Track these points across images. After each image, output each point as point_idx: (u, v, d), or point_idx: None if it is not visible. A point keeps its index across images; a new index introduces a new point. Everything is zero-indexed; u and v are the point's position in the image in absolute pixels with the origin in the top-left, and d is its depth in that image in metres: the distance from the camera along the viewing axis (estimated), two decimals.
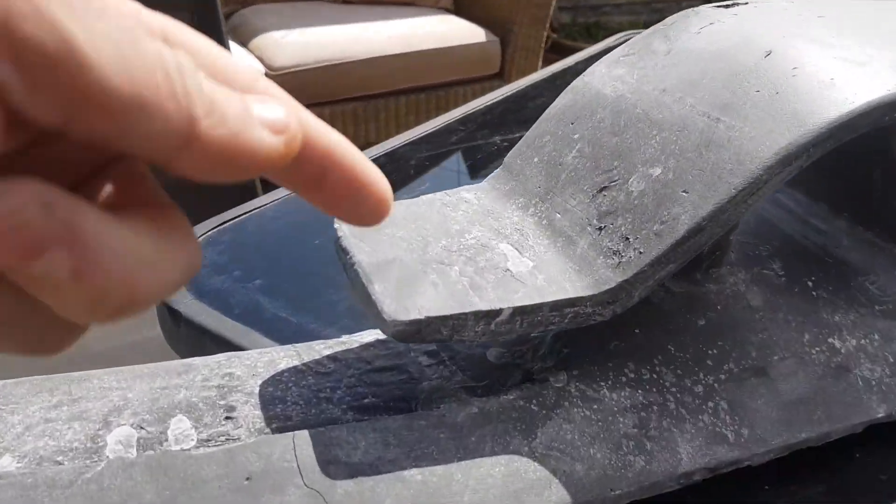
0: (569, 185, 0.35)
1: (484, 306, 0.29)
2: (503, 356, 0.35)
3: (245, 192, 0.89)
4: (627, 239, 0.31)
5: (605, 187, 0.34)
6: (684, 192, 0.31)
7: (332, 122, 2.37)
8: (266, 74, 2.35)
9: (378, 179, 0.17)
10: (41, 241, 0.12)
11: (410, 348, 0.36)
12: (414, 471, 0.28)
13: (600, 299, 0.30)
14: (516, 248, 0.33)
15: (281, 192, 0.57)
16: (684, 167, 0.32)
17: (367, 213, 0.18)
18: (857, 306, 0.39)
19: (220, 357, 0.35)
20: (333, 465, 0.28)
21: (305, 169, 0.17)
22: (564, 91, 0.40)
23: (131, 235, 0.14)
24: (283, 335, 0.41)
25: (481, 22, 2.71)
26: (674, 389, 0.33)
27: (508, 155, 0.39)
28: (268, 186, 0.65)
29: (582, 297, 0.30)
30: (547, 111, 0.40)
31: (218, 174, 0.14)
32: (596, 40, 3.30)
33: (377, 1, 2.80)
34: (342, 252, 0.32)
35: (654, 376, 0.33)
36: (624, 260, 0.31)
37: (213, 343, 0.42)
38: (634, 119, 0.35)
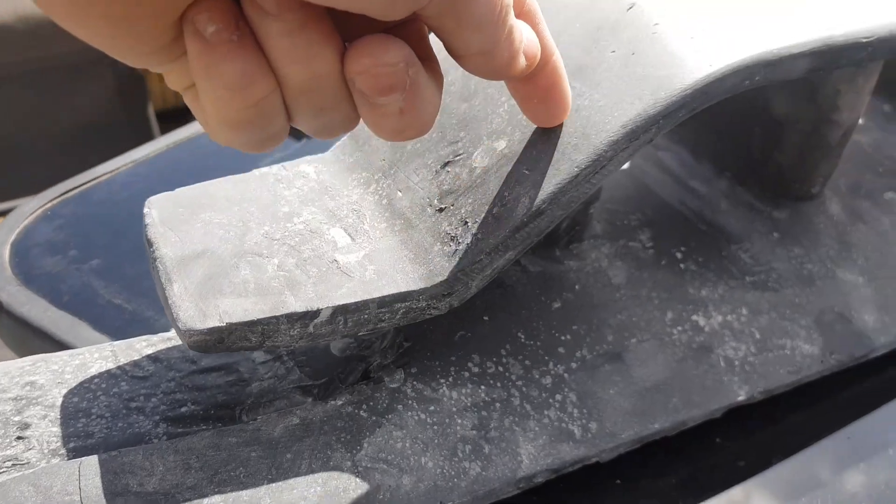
0: (414, 157, 0.31)
1: (299, 307, 0.26)
2: (348, 348, 0.32)
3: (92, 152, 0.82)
4: (466, 223, 0.28)
5: (448, 162, 0.30)
6: (527, 169, 0.28)
7: None
8: None
9: (569, 96, 0.26)
10: (395, 85, 0.20)
11: None
12: (216, 498, 0.25)
13: (434, 292, 0.27)
14: (349, 234, 0.29)
15: (134, 155, 0.52)
16: (530, 140, 0.29)
17: (555, 119, 0.27)
18: (727, 278, 0.37)
19: (26, 361, 0.31)
20: (122, 496, 0.24)
21: (537, 82, 0.25)
22: None
23: (431, 86, 0.21)
24: (116, 327, 0.37)
25: None
26: (520, 383, 0.30)
27: None
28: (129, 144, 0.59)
29: (413, 292, 0.27)
30: None
31: (484, 75, 0.23)
32: None
33: None
34: (147, 244, 0.28)
35: (500, 369, 0.30)
36: (461, 247, 0.28)
37: (37, 338, 0.37)
38: (484, 82, 0.32)
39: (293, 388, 0.30)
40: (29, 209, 0.46)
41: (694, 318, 0.35)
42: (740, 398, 0.33)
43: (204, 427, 0.28)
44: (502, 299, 0.32)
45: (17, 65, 1.11)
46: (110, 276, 0.41)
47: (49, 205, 0.47)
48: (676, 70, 0.28)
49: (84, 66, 1.17)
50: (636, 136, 0.27)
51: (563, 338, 0.32)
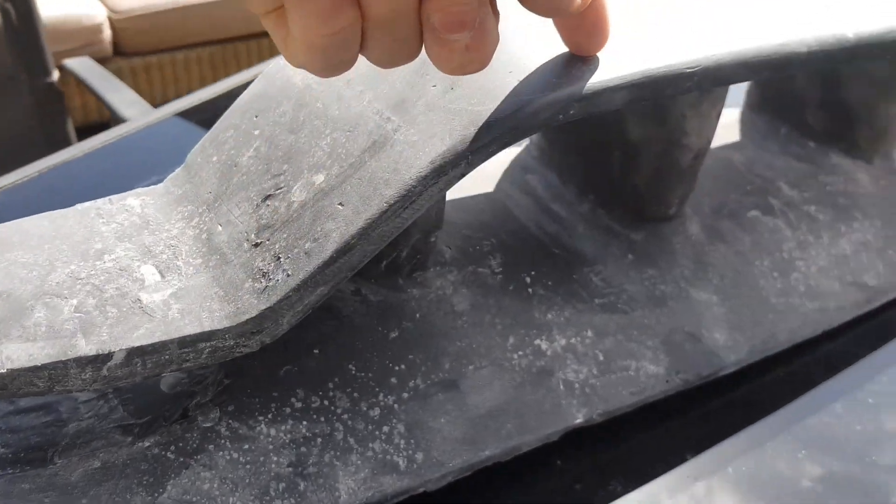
0: (238, 190, 0.31)
1: (90, 350, 0.25)
2: (179, 384, 0.32)
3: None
4: (279, 258, 0.28)
5: (269, 195, 0.30)
6: (340, 204, 0.28)
7: (187, 67, 2.21)
8: (109, 18, 2.15)
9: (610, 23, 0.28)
10: (466, 23, 0.21)
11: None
12: None
13: (241, 331, 0.27)
14: (160, 271, 0.29)
15: (62, 156, 0.50)
16: (346, 174, 0.29)
17: (596, 47, 0.28)
18: (575, 301, 0.37)
19: None
20: None
21: (586, 16, 0.27)
22: (259, 76, 0.36)
23: (494, 23, 0.23)
24: None
25: None
26: (345, 416, 0.30)
27: (192, 151, 0.35)
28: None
29: (218, 331, 0.27)
30: (237, 100, 0.35)
31: (545, 13, 0.25)
32: None
33: None
34: None
35: (326, 403, 0.30)
36: (270, 284, 0.27)
37: None
38: (313, 115, 0.32)
39: (113, 427, 0.29)
40: None
41: (536, 342, 0.35)
42: (578, 421, 0.33)
43: (10, 471, 0.27)
44: (336, 331, 0.32)
45: None
46: None
47: None
48: (490, 105, 0.28)
49: (2, 81, 1.14)
50: (444, 172, 0.27)
51: (397, 368, 0.32)
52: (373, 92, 0.31)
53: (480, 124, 0.28)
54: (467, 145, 0.27)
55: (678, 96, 0.38)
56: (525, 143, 0.48)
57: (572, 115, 0.29)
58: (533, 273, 0.38)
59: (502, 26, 0.24)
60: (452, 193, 0.42)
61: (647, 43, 0.31)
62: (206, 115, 0.39)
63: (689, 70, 0.31)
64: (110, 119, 0.96)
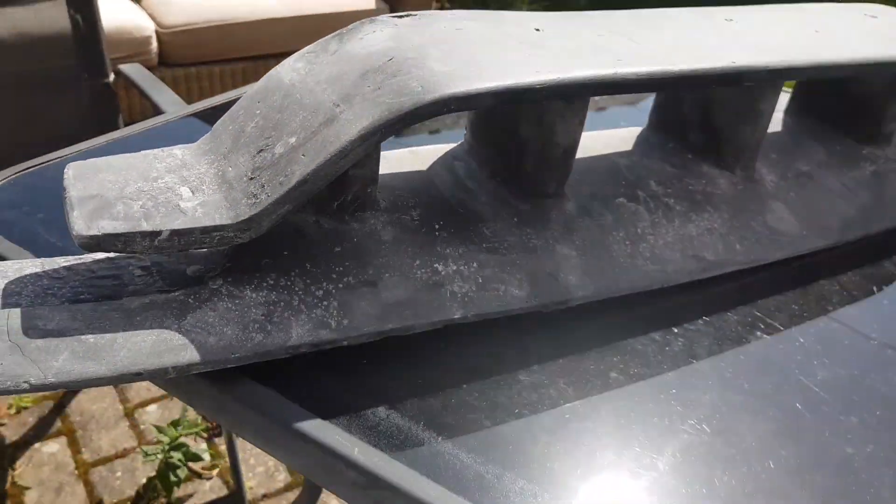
0: (243, 147, 0.49)
1: (148, 228, 0.43)
2: (197, 271, 0.49)
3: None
4: (263, 186, 0.45)
5: (261, 150, 0.48)
6: (303, 155, 0.46)
7: (222, 80, 2.43)
8: (157, 32, 2.38)
9: None
10: None
11: (130, 263, 0.49)
12: (89, 335, 0.42)
13: (238, 227, 0.44)
14: (192, 191, 0.46)
15: (87, 144, 0.69)
16: (308, 138, 0.46)
17: None
18: (468, 244, 0.54)
19: None
20: (32, 329, 0.41)
21: None
22: (264, 77, 0.54)
23: None
24: (48, 254, 0.54)
25: None
26: (300, 293, 0.47)
27: (216, 123, 0.53)
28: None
29: (224, 225, 0.44)
30: (248, 91, 0.53)
31: None
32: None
33: None
34: (63, 189, 0.45)
35: (289, 283, 0.48)
36: (258, 201, 0.45)
37: None
38: (293, 102, 0.49)
39: (156, 291, 0.47)
40: None
41: (435, 265, 0.52)
42: (456, 317, 0.50)
43: (93, 301, 0.45)
44: (299, 243, 0.50)
45: (6, 76, 1.28)
46: (50, 224, 0.58)
47: (13, 177, 0.64)
48: (400, 98, 0.46)
49: (63, 81, 1.34)
50: (366, 139, 0.45)
51: (337, 269, 0.49)
52: (332, 89, 0.49)
53: (392, 110, 0.45)
54: (382, 122, 0.45)
55: (551, 105, 0.55)
56: (460, 139, 0.65)
57: (453, 109, 0.47)
58: (441, 223, 0.55)
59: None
60: (396, 168, 0.60)
61: (519, 66, 0.49)
62: (226, 110, 0.55)
63: (538, 86, 0.49)
64: (153, 115, 1.15)
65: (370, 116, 0.45)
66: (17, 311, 0.42)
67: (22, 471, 1.35)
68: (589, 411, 0.48)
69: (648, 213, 0.63)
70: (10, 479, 1.33)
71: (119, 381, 0.42)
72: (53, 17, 1.39)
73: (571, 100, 0.55)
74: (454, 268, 0.53)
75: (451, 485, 0.40)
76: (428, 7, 2.79)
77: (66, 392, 1.53)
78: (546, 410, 0.47)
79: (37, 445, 1.40)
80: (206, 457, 1.45)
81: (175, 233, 0.43)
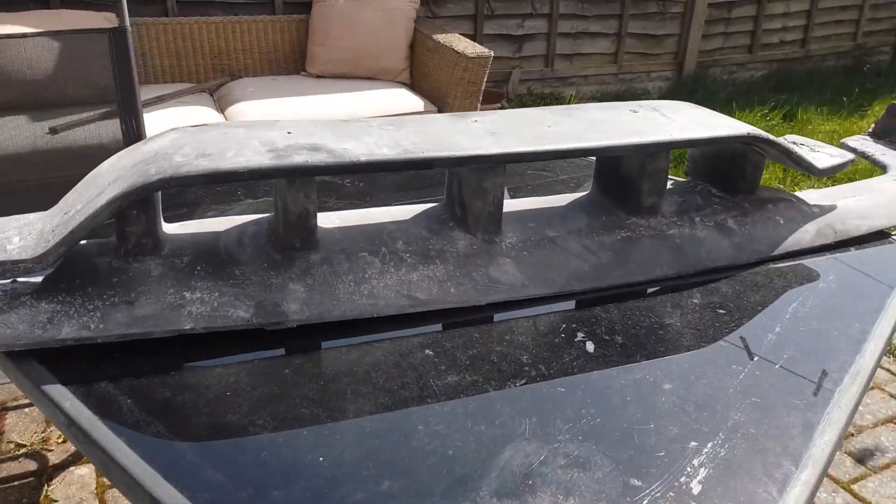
0: (60, 211, 0.76)
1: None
2: (17, 289, 0.76)
3: None
4: (54, 235, 0.72)
5: (66, 212, 0.75)
6: (79, 216, 0.72)
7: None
8: None
9: None
10: None
11: None
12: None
13: (34, 261, 0.71)
14: (20, 239, 0.74)
15: None
16: (86, 205, 0.73)
17: None
18: (217, 280, 0.78)
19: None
20: None
21: None
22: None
23: None
24: None
25: (427, 94, 3.16)
26: (77, 306, 0.73)
27: (67, 193, 0.81)
28: None
29: (26, 259, 0.71)
30: (88, 176, 0.81)
31: None
32: None
33: (345, 75, 3.29)
34: None
35: (71, 300, 0.73)
36: (48, 245, 0.71)
37: None
38: (95, 181, 0.76)
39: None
40: None
41: (184, 293, 0.76)
42: (186, 328, 0.73)
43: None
44: (90, 275, 0.76)
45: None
46: None
47: None
48: (138, 179, 0.71)
49: None
50: (110, 205, 0.70)
51: (108, 292, 0.74)
52: (115, 173, 0.75)
53: (129, 188, 0.71)
54: (120, 195, 0.71)
55: (279, 184, 0.79)
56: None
57: (173, 186, 0.72)
58: (203, 265, 0.79)
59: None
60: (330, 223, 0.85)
61: (235, 157, 0.73)
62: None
63: (240, 170, 0.73)
64: None
65: (116, 191, 0.71)
66: None
67: (55, 487, 1.66)
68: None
69: (381, 263, 0.83)
70: (44, 492, 1.65)
71: None
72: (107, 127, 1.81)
73: (293, 179, 0.78)
74: (199, 295, 0.76)
75: (123, 432, 0.62)
76: (474, 108, 3.10)
77: None
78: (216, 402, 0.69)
79: (71, 468, 1.71)
80: None
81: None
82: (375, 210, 0.94)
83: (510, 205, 0.98)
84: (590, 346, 0.77)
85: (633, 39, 4.42)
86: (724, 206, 1.00)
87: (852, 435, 1.90)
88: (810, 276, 0.93)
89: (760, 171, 1.02)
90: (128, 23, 1.79)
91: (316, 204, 0.82)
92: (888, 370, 2.19)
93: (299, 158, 0.75)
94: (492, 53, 2.97)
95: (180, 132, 0.82)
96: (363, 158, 0.77)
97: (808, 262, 0.97)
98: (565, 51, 4.22)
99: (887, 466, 1.80)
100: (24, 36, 1.88)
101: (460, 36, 3.17)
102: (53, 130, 2.46)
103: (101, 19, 3.16)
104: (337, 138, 0.82)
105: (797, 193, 1.10)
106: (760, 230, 0.98)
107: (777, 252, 0.96)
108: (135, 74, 1.80)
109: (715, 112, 1.02)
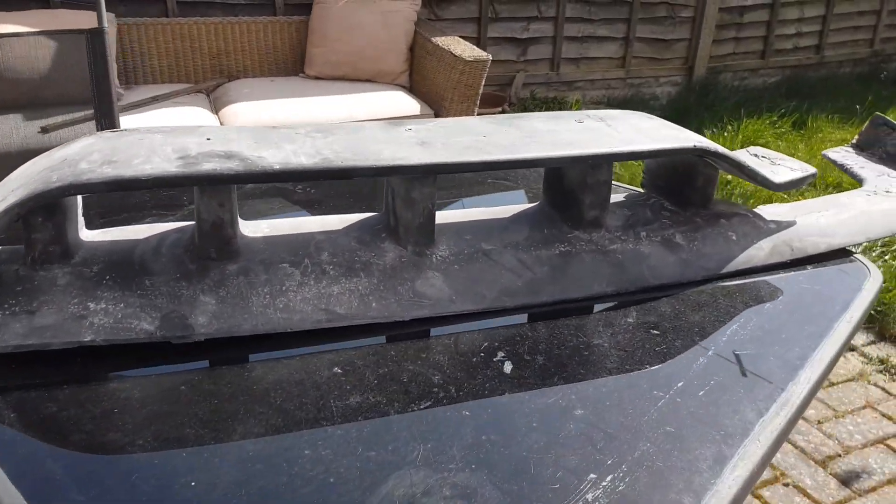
0: None
1: None
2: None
3: None
4: None
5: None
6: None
7: None
8: None
9: None
10: None
11: None
12: None
13: None
14: None
15: None
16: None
17: None
18: (125, 290, 0.75)
19: None
20: None
21: None
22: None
23: None
24: None
25: (424, 97, 3.13)
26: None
27: None
28: None
29: None
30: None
31: None
32: None
33: (343, 77, 3.28)
34: None
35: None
36: None
37: None
38: (6, 185, 0.74)
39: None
40: None
41: (88, 303, 0.74)
42: (86, 340, 0.71)
43: None
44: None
45: None
46: None
47: None
48: (38, 186, 0.69)
49: None
50: (8, 212, 0.68)
51: (10, 301, 0.72)
52: (24, 178, 0.73)
53: (29, 195, 0.69)
54: (19, 202, 0.68)
55: (198, 191, 0.76)
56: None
57: (73, 192, 0.69)
58: (112, 275, 0.77)
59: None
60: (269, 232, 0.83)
61: (141, 165, 0.71)
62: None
63: (143, 178, 0.71)
64: None
65: (15, 198, 0.69)
66: None
67: None
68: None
69: (301, 275, 0.81)
70: None
71: None
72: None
73: (203, 188, 0.76)
74: (103, 306, 0.74)
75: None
76: (471, 112, 3.06)
77: None
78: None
79: None
80: None
81: None
82: (311, 219, 0.92)
83: (453, 215, 0.94)
84: (507, 367, 0.73)
85: (641, 44, 4.36)
86: (673, 221, 0.96)
87: (839, 456, 1.84)
88: (758, 296, 0.89)
89: (713, 185, 0.98)
90: (105, 24, 1.79)
91: (233, 212, 0.79)
92: (883, 388, 2.12)
93: (208, 166, 0.73)
94: (489, 57, 2.94)
95: (97, 137, 0.79)
96: (277, 167, 0.75)
97: (760, 280, 0.93)
98: (572, 55, 4.17)
99: (873, 489, 1.73)
100: (1, 36, 1.88)
101: (459, 39, 3.14)
102: (45, 130, 2.47)
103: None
104: (256, 146, 0.79)
105: (760, 208, 1.06)
106: (710, 246, 0.93)
107: (727, 269, 0.92)
108: (112, 76, 1.79)
109: (669, 123, 0.98)
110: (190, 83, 3.25)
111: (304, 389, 0.69)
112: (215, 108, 3.00)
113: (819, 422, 1.97)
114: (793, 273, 0.94)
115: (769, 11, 4.70)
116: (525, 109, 3.73)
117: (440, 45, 3.06)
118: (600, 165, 0.89)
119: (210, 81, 3.24)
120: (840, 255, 1.00)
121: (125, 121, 2.70)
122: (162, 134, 0.81)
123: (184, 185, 0.73)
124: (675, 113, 4.21)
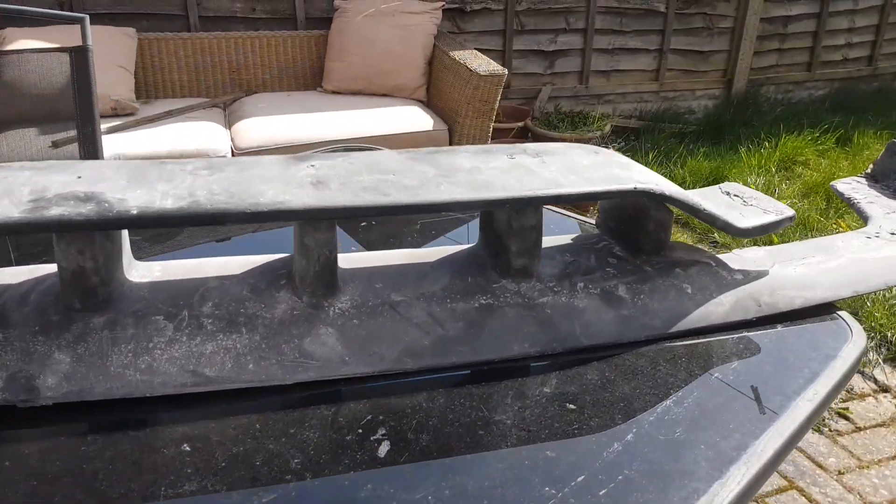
0: None
1: None
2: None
3: None
4: None
5: None
6: None
7: None
8: (232, 153, 2.80)
9: None
10: None
11: None
12: None
13: None
14: None
15: None
16: None
17: None
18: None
19: None
20: None
21: None
22: None
23: None
24: None
25: (440, 113, 3.04)
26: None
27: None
28: None
29: None
30: None
31: None
32: (574, 129, 3.52)
33: (360, 92, 3.22)
34: None
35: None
36: None
37: None
38: None
39: None
40: None
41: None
42: (49, 395, 0.64)
43: None
44: None
45: None
46: None
47: None
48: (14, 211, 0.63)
49: None
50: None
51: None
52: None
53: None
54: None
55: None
56: None
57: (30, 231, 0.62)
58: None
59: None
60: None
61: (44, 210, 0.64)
62: None
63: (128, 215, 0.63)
64: None
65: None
66: None
67: None
68: None
69: (174, 331, 0.72)
70: None
71: None
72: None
73: (60, 234, 0.68)
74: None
75: None
76: (487, 127, 2.96)
77: None
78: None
79: None
80: None
81: None
82: (211, 261, 0.83)
83: (370, 258, 0.85)
84: (383, 449, 0.63)
85: (676, 56, 4.18)
86: (618, 270, 0.84)
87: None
88: (707, 363, 0.76)
89: (667, 229, 0.86)
90: (90, 42, 1.75)
91: (97, 260, 0.71)
92: None
93: (56, 211, 0.65)
94: (505, 72, 2.83)
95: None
96: (134, 212, 0.66)
97: (715, 341, 0.80)
98: (601, 67, 4.03)
99: None
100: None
101: (478, 52, 3.05)
102: (55, 144, 2.48)
103: (122, 35, 3.20)
104: (126, 185, 0.71)
105: (735, 252, 0.93)
106: (658, 301, 0.81)
107: (676, 328, 0.80)
108: (94, 96, 1.75)
109: (618, 158, 0.86)
110: (208, 97, 3.24)
111: (140, 471, 0.60)
112: (229, 123, 2.97)
113: (840, 472, 1.80)
114: (758, 333, 0.82)
115: (816, 21, 4.46)
116: (549, 123, 3.60)
117: (457, 58, 2.97)
118: (525, 210, 0.78)
119: (227, 96, 3.22)
120: (823, 310, 0.87)
121: (136, 136, 2.70)
122: (32, 171, 0.73)
123: (23, 232, 0.65)
124: (711, 128, 4.02)
